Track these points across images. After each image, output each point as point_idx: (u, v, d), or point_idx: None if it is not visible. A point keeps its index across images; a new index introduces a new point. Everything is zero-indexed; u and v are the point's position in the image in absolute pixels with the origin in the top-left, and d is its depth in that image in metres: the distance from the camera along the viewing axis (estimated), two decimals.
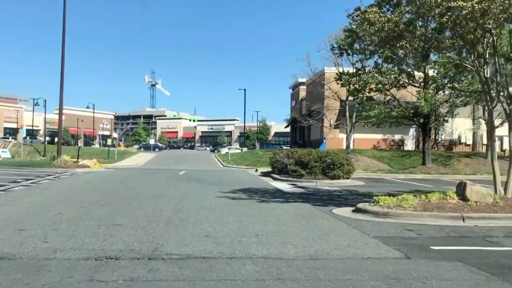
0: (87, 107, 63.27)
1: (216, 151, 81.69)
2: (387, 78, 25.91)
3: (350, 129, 41.96)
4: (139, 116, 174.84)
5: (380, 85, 26.08)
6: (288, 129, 71.17)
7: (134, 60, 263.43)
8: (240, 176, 22.95)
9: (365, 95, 29.11)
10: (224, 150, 71.24)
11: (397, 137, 48.18)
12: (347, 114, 41.64)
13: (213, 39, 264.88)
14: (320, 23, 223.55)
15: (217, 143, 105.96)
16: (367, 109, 27.92)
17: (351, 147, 47.52)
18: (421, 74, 28.31)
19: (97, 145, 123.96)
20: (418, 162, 34.46)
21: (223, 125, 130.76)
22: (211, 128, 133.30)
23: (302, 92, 57.16)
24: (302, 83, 57.58)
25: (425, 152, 28.49)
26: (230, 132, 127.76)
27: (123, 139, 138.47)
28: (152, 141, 74.93)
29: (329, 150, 26.75)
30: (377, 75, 25.89)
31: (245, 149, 55.42)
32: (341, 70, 41.52)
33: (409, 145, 48.16)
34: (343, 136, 47.76)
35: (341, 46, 27.30)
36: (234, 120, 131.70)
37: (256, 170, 28.37)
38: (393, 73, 26.20)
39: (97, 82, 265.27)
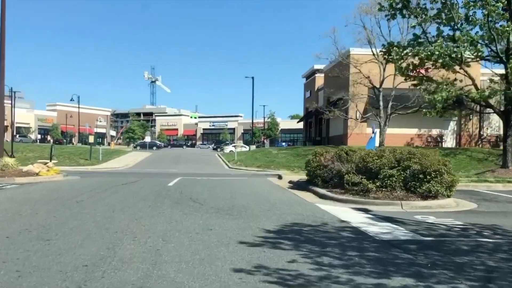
0: (71, 100, 55.56)
1: (219, 149, 74.16)
2: (463, 47, 18.27)
3: (385, 122, 34.43)
4: (139, 114, 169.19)
5: (450, 58, 18.44)
6: (300, 125, 63.43)
7: (134, 57, 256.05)
8: (261, 190, 15.04)
9: (419, 74, 21.52)
10: (228, 148, 63.73)
11: (434, 132, 40.53)
12: (381, 103, 34.11)
13: (214, 34, 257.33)
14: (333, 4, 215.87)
15: (220, 140, 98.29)
16: (431, 91, 20.26)
17: (379, 144, 40.04)
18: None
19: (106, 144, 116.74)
20: (480, 164, 26.91)
21: (226, 121, 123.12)
22: (213, 125, 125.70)
23: (319, 80, 49.62)
24: (319, 70, 49.97)
25: (508, 150, 20.85)
26: (234, 129, 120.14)
27: (122, 137, 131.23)
28: (147, 139, 67.28)
29: (382, 148, 19.45)
30: (450, 43, 18.29)
31: (253, 147, 47.90)
32: (373, 49, 34.03)
33: (449, 141, 40.52)
34: (371, 130, 40.15)
35: (393, 5, 19.63)
36: (237, 116, 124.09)
37: (280, 178, 20.90)
38: (467, 41, 18.57)
39: (97, 80, 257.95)
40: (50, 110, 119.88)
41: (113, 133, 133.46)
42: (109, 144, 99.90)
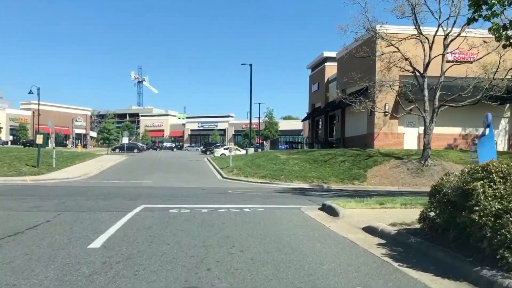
0: (30, 92, 46.15)
1: (208, 152, 65.16)
2: None
3: (432, 118, 25.83)
4: (124, 115, 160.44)
5: None
6: (298, 126, 54.55)
7: (121, 57, 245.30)
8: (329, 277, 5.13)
9: None
10: (219, 152, 54.82)
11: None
12: (426, 93, 25.51)
13: (205, 32, 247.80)
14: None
15: (209, 142, 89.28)
16: None
17: (417, 146, 31.54)
18: None
19: (70, 145, 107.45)
20: None
21: (216, 122, 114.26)
22: (201, 126, 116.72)
23: (330, 70, 41.06)
24: (330, 58, 41.34)
25: None
26: (224, 130, 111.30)
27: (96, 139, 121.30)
28: (125, 140, 58.12)
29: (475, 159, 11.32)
30: None
31: (250, 150, 38.97)
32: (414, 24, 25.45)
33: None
34: (404, 129, 31.61)
35: None
36: (228, 116, 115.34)
37: (332, 213, 10.08)
38: None
39: (81, 79, 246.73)
40: (24, 109, 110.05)
41: (93, 134, 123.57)
42: (85, 146, 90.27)
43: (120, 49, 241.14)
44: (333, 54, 41.05)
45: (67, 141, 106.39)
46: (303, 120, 50.16)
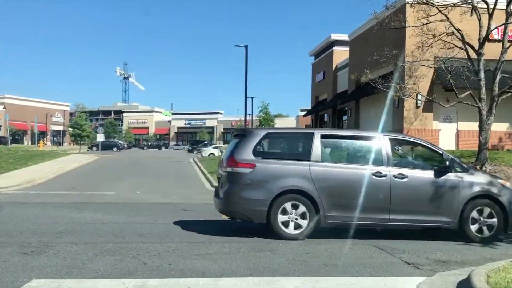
0: None
1: (195, 152, 58.59)
2: None
3: (489, 109, 19.53)
4: (109, 112, 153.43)
5: None
6: (292, 124, 48.11)
7: (106, 52, 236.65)
8: None
9: None
10: (207, 151, 48.34)
11: None
12: (482, 75, 19.19)
13: (194, 26, 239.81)
14: None
15: (197, 141, 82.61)
16: None
17: (455, 145, 25.31)
18: None
19: (48, 143, 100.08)
20: None
21: (204, 119, 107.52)
22: (188, 123, 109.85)
23: (339, 55, 34.73)
24: (339, 42, 34.96)
25: None
26: (213, 127, 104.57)
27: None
28: (100, 137, 51.28)
29: None
30: None
31: None
32: None
33: None
34: (439, 125, 25.35)
35: None
36: (217, 113, 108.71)
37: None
38: None
39: (65, 74, 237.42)
40: None
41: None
42: (58, 143, 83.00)
43: (105, 46, 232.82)
44: (343, 36, 34.71)
45: (45, 138, 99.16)
46: (305, 115, 43.71)
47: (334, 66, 35.95)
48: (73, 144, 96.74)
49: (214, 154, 44.71)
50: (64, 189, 17.97)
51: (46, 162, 29.31)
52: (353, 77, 24.54)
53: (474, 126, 25.27)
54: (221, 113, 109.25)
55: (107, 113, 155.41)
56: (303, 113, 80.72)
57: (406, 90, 21.31)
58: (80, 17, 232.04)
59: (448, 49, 20.67)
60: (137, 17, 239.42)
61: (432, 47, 20.54)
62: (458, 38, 19.73)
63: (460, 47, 19.89)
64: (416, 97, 23.90)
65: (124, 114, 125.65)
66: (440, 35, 20.35)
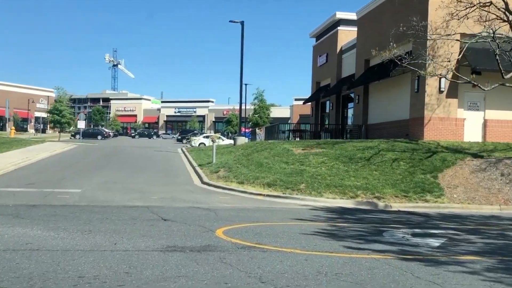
0: None
1: (185, 141, 54.97)
2: None
3: None
4: (97, 99, 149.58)
5: None
6: (286, 114, 44.45)
7: (95, 39, 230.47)
8: None
9: None
10: (198, 140, 44.85)
11: None
12: None
13: (185, 13, 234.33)
14: None
15: (186, 130, 78.91)
16: None
17: (481, 137, 22.12)
18: None
19: (32, 130, 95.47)
20: None
21: (194, 107, 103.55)
22: (178, 112, 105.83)
23: (345, 36, 31.34)
24: (345, 21, 31.52)
25: None
26: (203, 116, 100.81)
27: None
28: (81, 124, 47.50)
29: None
30: None
31: (241, 139, 28.87)
32: None
33: None
34: (464, 113, 22.00)
35: None
36: (208, 102, 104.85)
37: None
38: None
39: (54, 61, 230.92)
40: None
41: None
42: (38, 130, 78.86)
43: (95, 31, 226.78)
44: (349, 15, 31.27)
45: (28, 125, 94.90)
46: (304, 102, 40.25)
47: (338, 48, 32.47)
48: (58, 132, 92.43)
49: (204, 144, 41.22)
50: (20, 185, 14.52)
51: (12, 151, 25.67)
52: (374, 52, 20.99)
53: (504, 115, 22.23)
54: (212, 102, 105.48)
55: (95, 100, 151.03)
56: (298, 102, 77.30)
57: (439, 68, 17.96)
58: (69, 3, 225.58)
59: (485, 21, 17.36)
60: (127, 4, 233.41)
61: (467, 18, 17.16)
62: (500, 9, 16.42)
63: (502, 19, 16.58)
64: (452, 78, 19.94)
65: (112, 102, 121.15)
66: (473, 5, 17.03)
